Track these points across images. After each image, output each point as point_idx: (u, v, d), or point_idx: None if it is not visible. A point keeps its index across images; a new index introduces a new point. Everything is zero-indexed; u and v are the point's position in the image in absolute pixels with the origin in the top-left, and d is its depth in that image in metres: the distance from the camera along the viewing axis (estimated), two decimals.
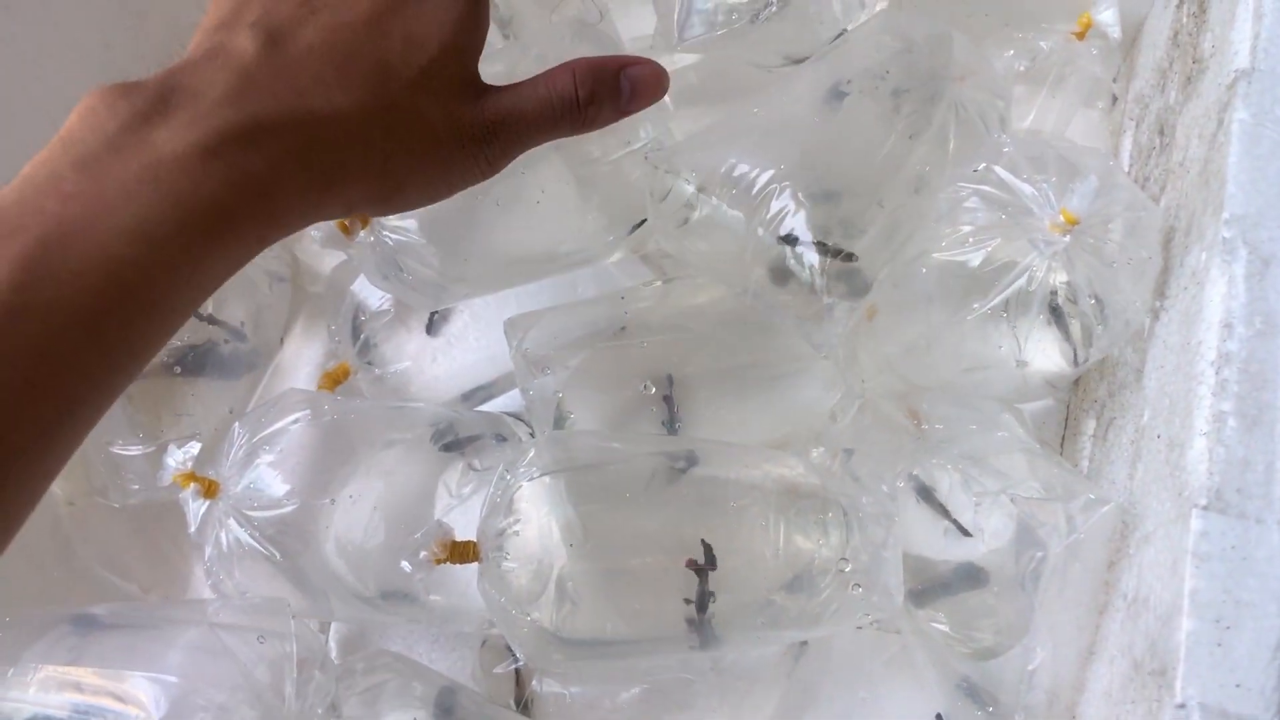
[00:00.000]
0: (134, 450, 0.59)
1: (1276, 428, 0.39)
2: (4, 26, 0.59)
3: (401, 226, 0.54)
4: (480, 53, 0.43)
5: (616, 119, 0.45)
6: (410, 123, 0.40)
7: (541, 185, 0.55)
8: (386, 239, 0.54)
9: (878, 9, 0.62)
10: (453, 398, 0.66)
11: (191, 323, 0.60)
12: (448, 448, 0.63)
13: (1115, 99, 0.68)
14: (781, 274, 0.53)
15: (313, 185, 0.39)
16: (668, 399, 0.61)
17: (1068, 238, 0.49)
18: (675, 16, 0.56)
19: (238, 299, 0.61)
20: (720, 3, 0.55)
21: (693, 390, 0.62)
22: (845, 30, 0.61)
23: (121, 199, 0.35)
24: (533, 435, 0.63)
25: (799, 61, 0.61)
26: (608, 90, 0.44)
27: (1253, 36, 0.46)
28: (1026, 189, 0.50)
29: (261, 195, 0.37)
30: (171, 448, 0.54)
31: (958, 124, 0.58)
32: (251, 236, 0.38)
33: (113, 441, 0.59)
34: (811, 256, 0.51)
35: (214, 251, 0.37)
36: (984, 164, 0.52)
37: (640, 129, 0.59)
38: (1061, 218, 0.48)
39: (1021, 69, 0.65)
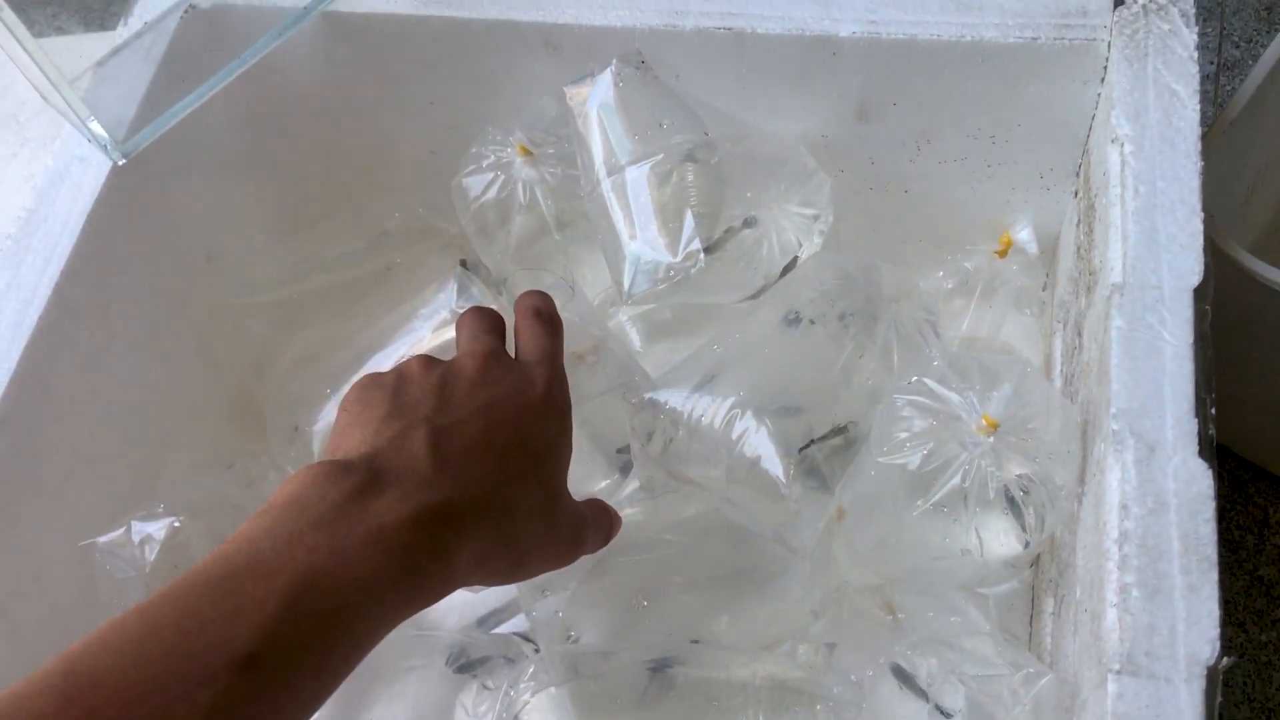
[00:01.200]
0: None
1: (1174, 595, 0.44)
2: None
3: None
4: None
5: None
6: (543, 512, 0.52)
7: None
8: None
9: (814, 244, 0.71)
10: (469, 623, 0.72)
11: None
12: (462, 670, 0.69)
13: (1044, 305, 0.76)
14: (755, 484, 0.59)
15: (475, 557, 0.48)
16: None
17: (991, 438, 0.55)
18: (624, 277, 0.65)
19: None
20: (659, 263, 0.63)
21: (684, 600, 0.68)
22: (795, 260, 0.70)
23: (356, 556, 0.43)
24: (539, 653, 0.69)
25: (754, 297, 0.70)
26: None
27: (1122, 255, 0.54)
28: (954, 397, 0.57)
29: (448, 564, 0.46)
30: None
31: (899, 338, 0.66)
32: (432, 594, 0.47)
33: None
34: (774, 467, 0.58)
35: (411, 603, 0.46)
36: (916, 377, 0.59)
37: (613, 367, 0.67)
38: (984, 421, 0.55)
39: (950, 286, 0.74)
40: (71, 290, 0.64)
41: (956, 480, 0.56)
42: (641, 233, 0.63)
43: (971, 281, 0.74)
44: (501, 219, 0.72)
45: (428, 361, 0.53)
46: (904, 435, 0.58)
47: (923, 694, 0.63)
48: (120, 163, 0.66)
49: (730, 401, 0.60)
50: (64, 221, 0.65)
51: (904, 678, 0.65)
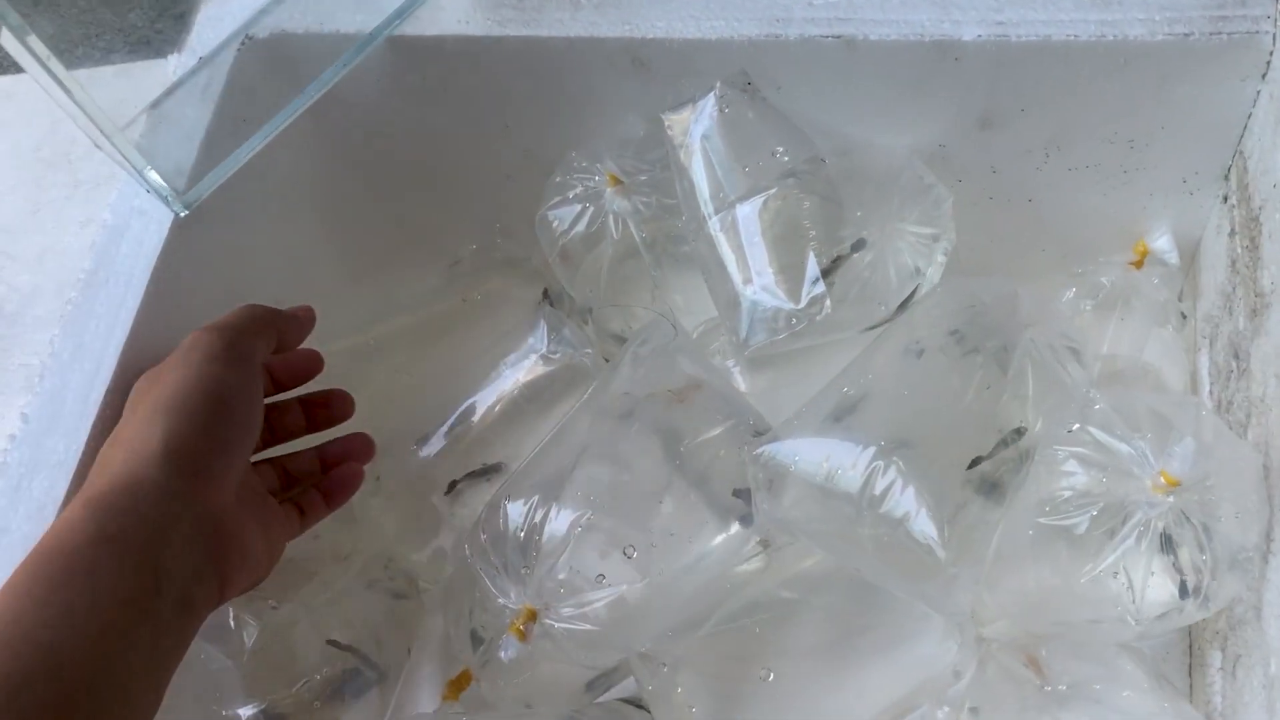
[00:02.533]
0: None
1: None
2: None
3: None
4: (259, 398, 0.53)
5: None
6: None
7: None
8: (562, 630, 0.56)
9: (936, 267, 0.64)
10: (576, 689, 0.67)
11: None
12: None
13: (1184, 317, 0.69)
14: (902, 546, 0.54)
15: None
16: None
17: (1171, 498, 0.49)
18: (740, 326, 0.59)
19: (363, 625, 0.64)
20: (779, 310, 0.57)
21: (803, 665, 0.62)
22: (917, 289, 0.63)
23: None
24: None
25: (872, 329, 0.64)
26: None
27: None
28: (1123, 449, 0.51)
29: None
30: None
31: (1035, 367, 0.60)
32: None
33: None
34: (926, 528, 0.52)
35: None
36: (1077, 424, 0.53)
37: (719, 412, 0.61)
38: (1162, 479, 0.49)
39: (1088, 308, 0.67)
40: (139, 354, 0.59)
41: (1130, 543, 0.50)
42: (757, 277, 0.57)
43: (1109, 297, 0.67)
44: (589, 250, 0.67)
45: None
46: (1068, 493, 0.52)
47: None
48: (182, 215, 0.61)
49: (870, 452, 0.54)
50: (126, 282, 0.60)
51: None
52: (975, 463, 0.56)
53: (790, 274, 0.57)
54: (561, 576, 0.55)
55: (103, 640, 0.42)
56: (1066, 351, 0.62)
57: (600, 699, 0.68)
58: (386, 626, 0.65)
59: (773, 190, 0.56)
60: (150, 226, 0.62)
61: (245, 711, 0.57)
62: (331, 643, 0.61)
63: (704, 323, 0.70)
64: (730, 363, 0.69)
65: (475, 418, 0.70)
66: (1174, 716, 0.52)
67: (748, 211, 0.56)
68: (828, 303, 0.56)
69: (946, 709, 0.61)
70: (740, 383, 0.68)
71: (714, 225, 0.57)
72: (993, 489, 0.56)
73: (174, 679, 0.54)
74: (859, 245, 0.64)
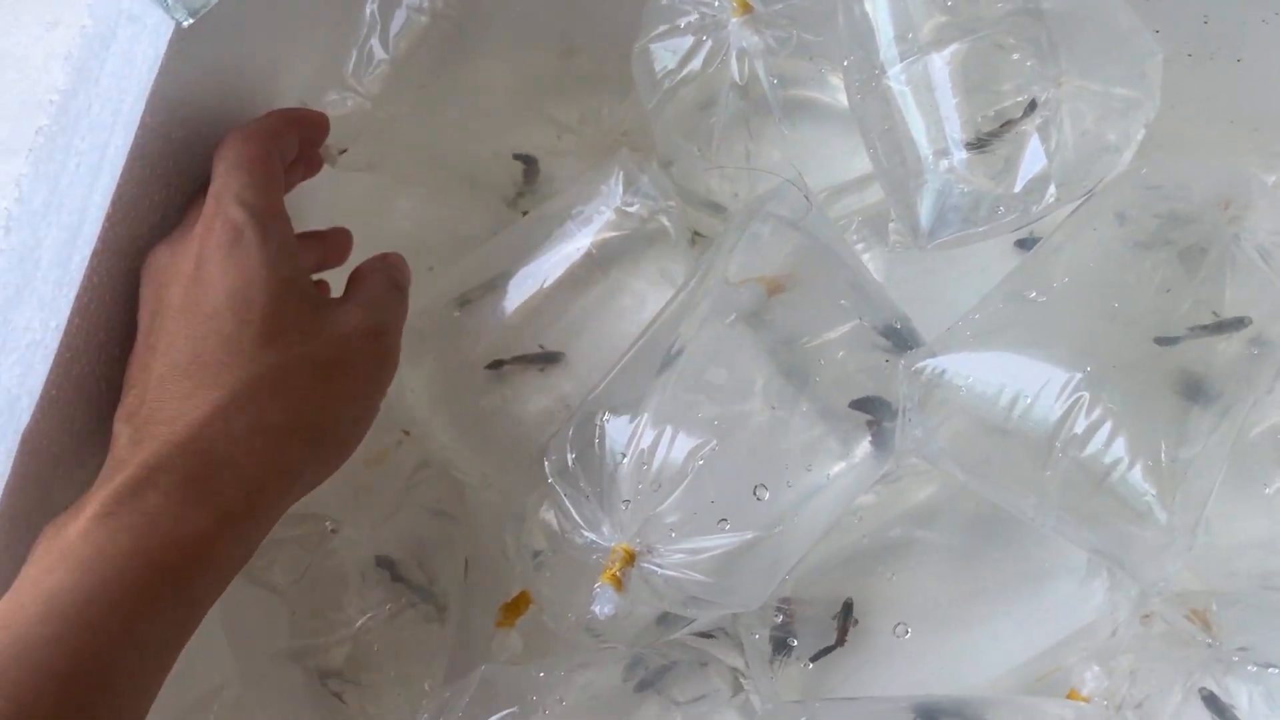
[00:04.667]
0: None
1: None
2: None
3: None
4: (300, 263, 0.45)
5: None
6: (290, 367, 0.43)
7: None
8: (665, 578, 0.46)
9: (1132, 142, 0.52)
10: (648, 622, 0.57)
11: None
12: (641, 687, 0.55)
13: None
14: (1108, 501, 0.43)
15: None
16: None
17: None
18: (921, 212, 0.46)
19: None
20: (981, 196, 0.44)
21: (923, 614, 0.53)
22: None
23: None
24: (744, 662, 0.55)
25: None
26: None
27: None
28: None
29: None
30: None
31: (1234, 267, 0.49)
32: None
33: None
34: (1143, 484, 0.42)
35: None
36: None
37: (847, 303, 0.50)
38: None
39: None
40: (133, 206, 0.47)
41: None
42: (955, 150, 0.44)
43: None
44: (704, 101, 0.53)
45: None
46: None
47: None
48: (186, 23, 0.47)
49: (1074, 381, 0.43)
50: (115, 110, 0.47)
51: (1218, 709, 0.52)
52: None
53: (1001, 148, 0.44)
54: (674, 519, 0.44)
55: None
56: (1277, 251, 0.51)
57: (675, 635, 0.59)
58: (439, 549, 0.54)
59: (983, 33, 0.43)
60: (143, 36, 0.48)
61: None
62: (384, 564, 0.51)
63: (826, 189, 0.57)
64: (857, 243, 0.57)
65: (531, 283, 0.59)
66: None
67: (944, 61, 0.43)
68: (1052, 188, 0.43)
69: (1097, 668, 0.53)
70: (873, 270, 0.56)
71: (895, 76, 0.44)
72: (1197, 391, 0.46)
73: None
74: (1031, 107, 0.51)
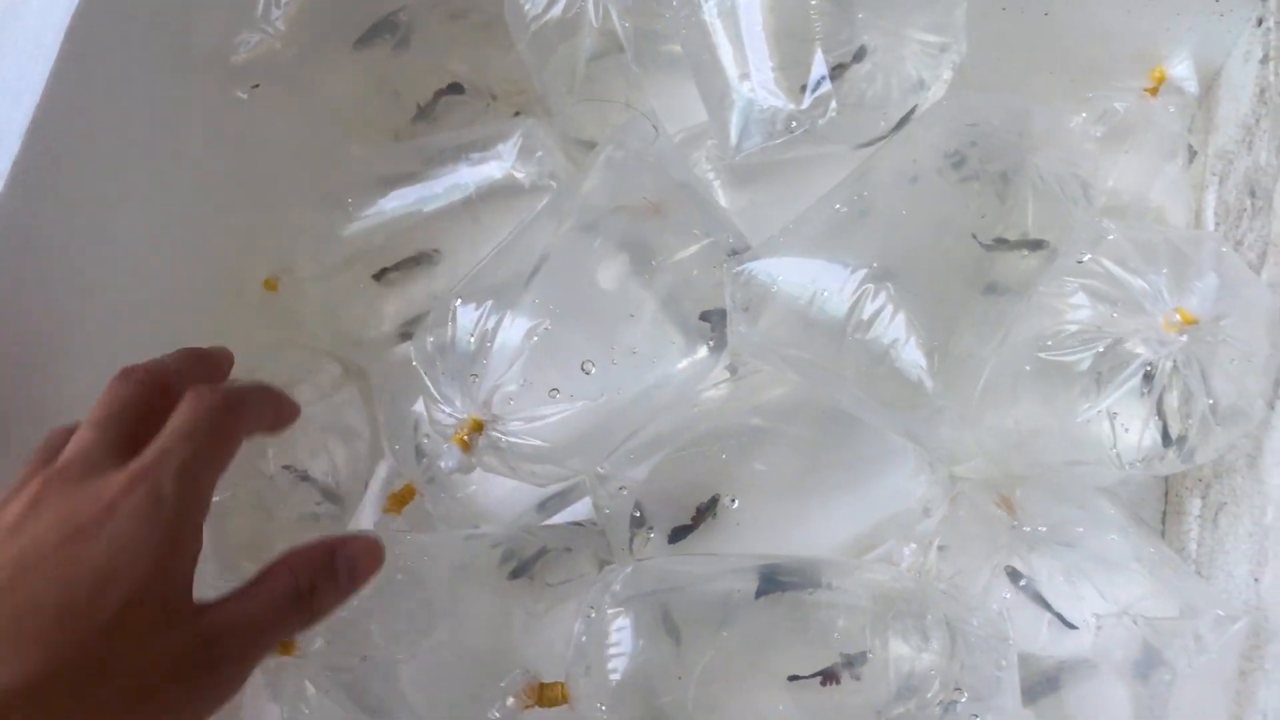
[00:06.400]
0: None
1: None
2: None
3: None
4: (194, 565, 0.39)
5: (342, 602, 0.42)
6: (106, 676, 0.35)
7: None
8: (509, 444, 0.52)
9: (941, 81, 0.59)
10: (528, 509, 0.63)
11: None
12: (515, 574, 0.60)
13: (1194, 152, 0.65)
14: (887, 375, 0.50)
15: None
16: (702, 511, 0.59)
17: (1184, 337, 0.46)
18: (731, 128, 0.53)
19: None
20: (777, 111, 0.51)
21: (769, 494, 0.59)
22: (914, 109, 0.58)
23: None
24: (609, 548, 0.61)
25: (867, 146, 0.58)
26: (326, 577, 0.42)
27: None
28: (1137, 283, 0.47)
29: None
30: None
31: (1036, 198, 0.56)
32: None
33: None
34: (915, 356, 0.48)
35: None
36: (1089, 255, 0.49)
37: (695, 227, 0.56)
38: (1177, 316, 0.45)
39: (1098, 135, 0.62)
40: (47, 151, 0.52)
41: (1135, 383, 0.47)
42: (756, 72, 0.51)
43: (1120, 125, 0.62)
44: (564, 39, 0.60)
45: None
46: (1073, 328, 0.48)
47: (1044, 603, 0.56)
48: None
49: (860, 275, 0.49)
50: (36, 44, 0.53)
51: (1017, 581, 0.58)
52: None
53: (793, 71, 0.51)
54: (512, 388, 0.50)
55: None
56: (1074, 182, 0.57)
57: (552, 519, 0.65)
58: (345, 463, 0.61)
59: None
60: None
61: None
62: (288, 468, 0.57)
63: (683, 130, 0.64)
64: (710, 175, 0.63)
65: (417, 202, 0.65)
66: (1158, 561, 0.50)
67: None
68: (833, 104, 0.50)
69: (914, 545, 0.59)
70: (721, 198, 0.63)
71: (709, 10, 0.51)
72: (973, 283, 0.52)
73: None
74: (860, 54, 0.58)
